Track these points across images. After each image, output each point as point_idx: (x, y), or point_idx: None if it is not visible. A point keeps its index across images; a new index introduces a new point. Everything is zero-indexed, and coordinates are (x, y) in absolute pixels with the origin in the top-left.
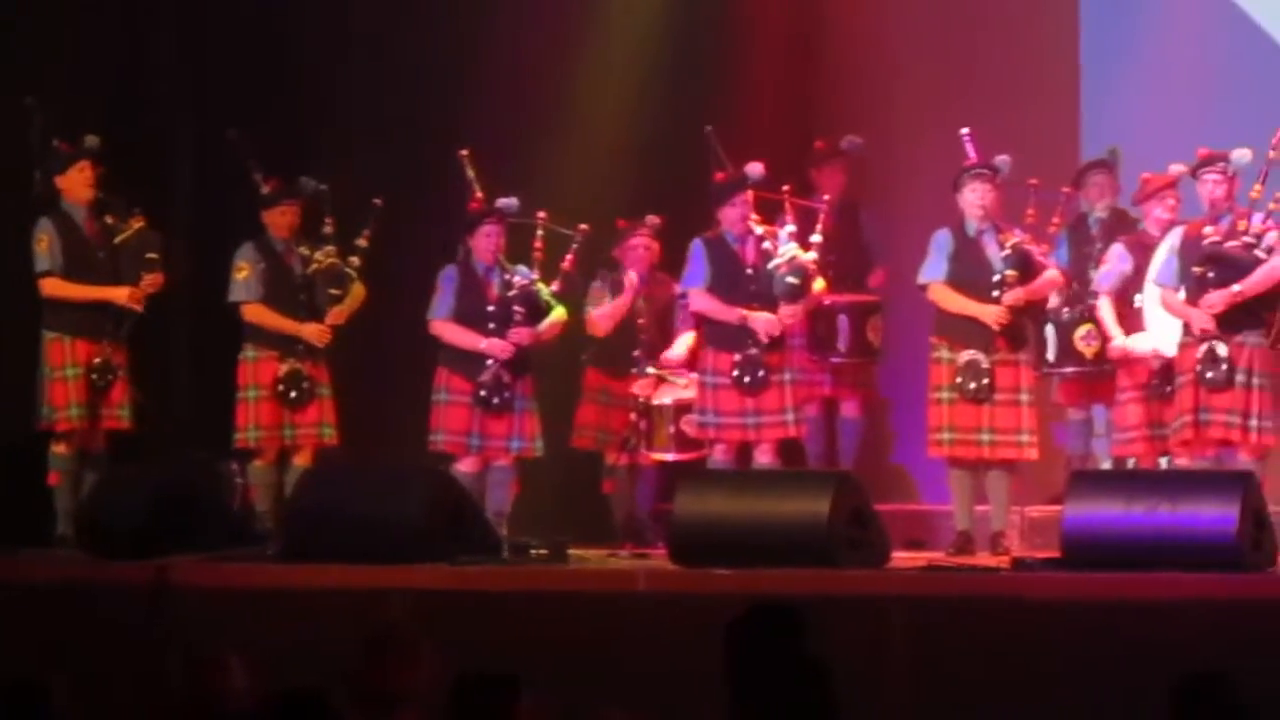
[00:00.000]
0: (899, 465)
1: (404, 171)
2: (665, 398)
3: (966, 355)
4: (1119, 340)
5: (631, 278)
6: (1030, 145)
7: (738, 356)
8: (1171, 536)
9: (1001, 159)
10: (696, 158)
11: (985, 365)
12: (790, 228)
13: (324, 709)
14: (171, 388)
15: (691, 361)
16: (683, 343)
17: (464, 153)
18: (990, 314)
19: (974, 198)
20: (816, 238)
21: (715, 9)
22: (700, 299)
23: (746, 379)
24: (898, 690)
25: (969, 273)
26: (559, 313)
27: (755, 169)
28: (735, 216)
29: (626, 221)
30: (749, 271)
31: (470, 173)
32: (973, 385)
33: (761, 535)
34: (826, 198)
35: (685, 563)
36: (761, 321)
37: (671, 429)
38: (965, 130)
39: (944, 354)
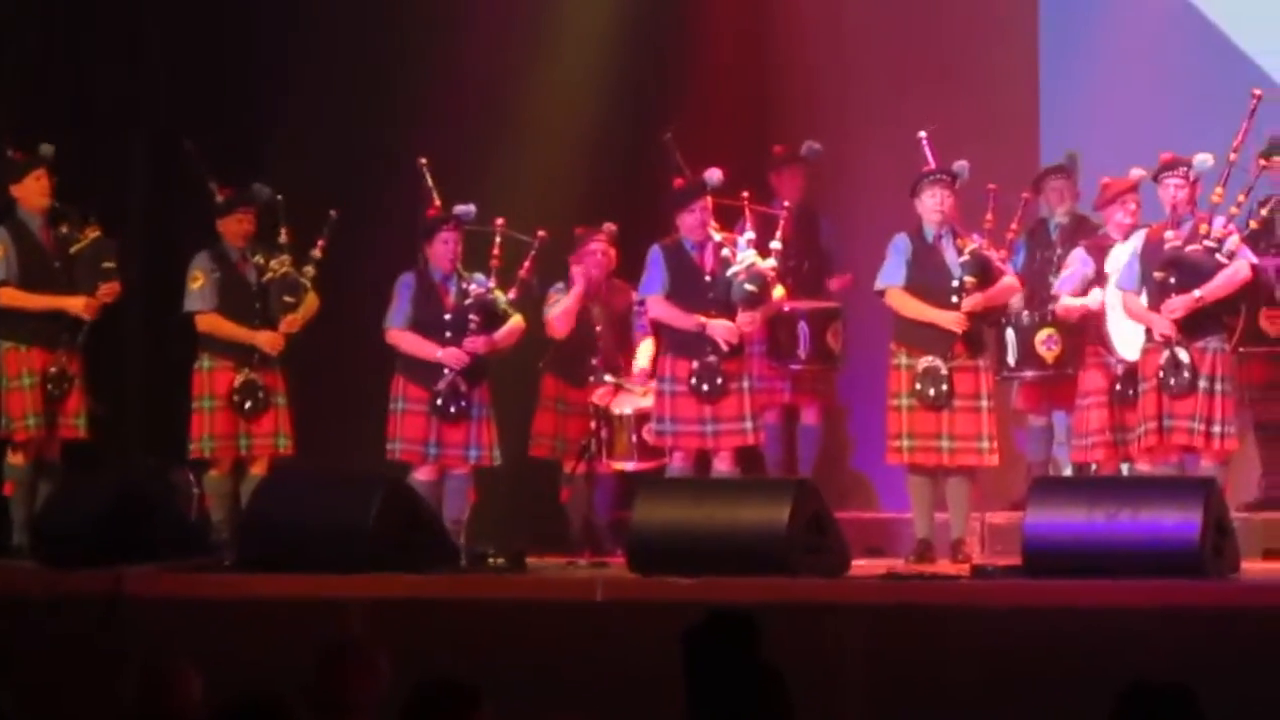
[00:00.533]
0: (858, 472)
1: (360, 179)
2: (625, 406)
3: (925, 361)
4: (1071, 301)
5: (577, 274)
6: (989, 150)
7: (696, 364)
8: (1133, 543)
9: (960, 164)
10: (654, 164)
11: (944, 371)
12: (749, 234)
13: (280, 716)
14: (127, 397)
15: (652, 370)
16: (645, 353)
17: (423, 161)
18: (949, 319)
19: (932, 203)
20: (776, 244)
21: (671, 13)
22: (658, 306)
23: (705, 386)
24: (856, 699)
25: (927, 278)
26: (516, 320)
27: (714, 175)
28: (694, 223)
29: (584, 228)
30: (707, 278)
31: (429, 180)
32: (932, 391)
33: (720, 543)
34: (786, 203)
35: (644, 571)
36: (720, 329)
37: (633, 438)
38: (923, 134)
39: (903, 360)
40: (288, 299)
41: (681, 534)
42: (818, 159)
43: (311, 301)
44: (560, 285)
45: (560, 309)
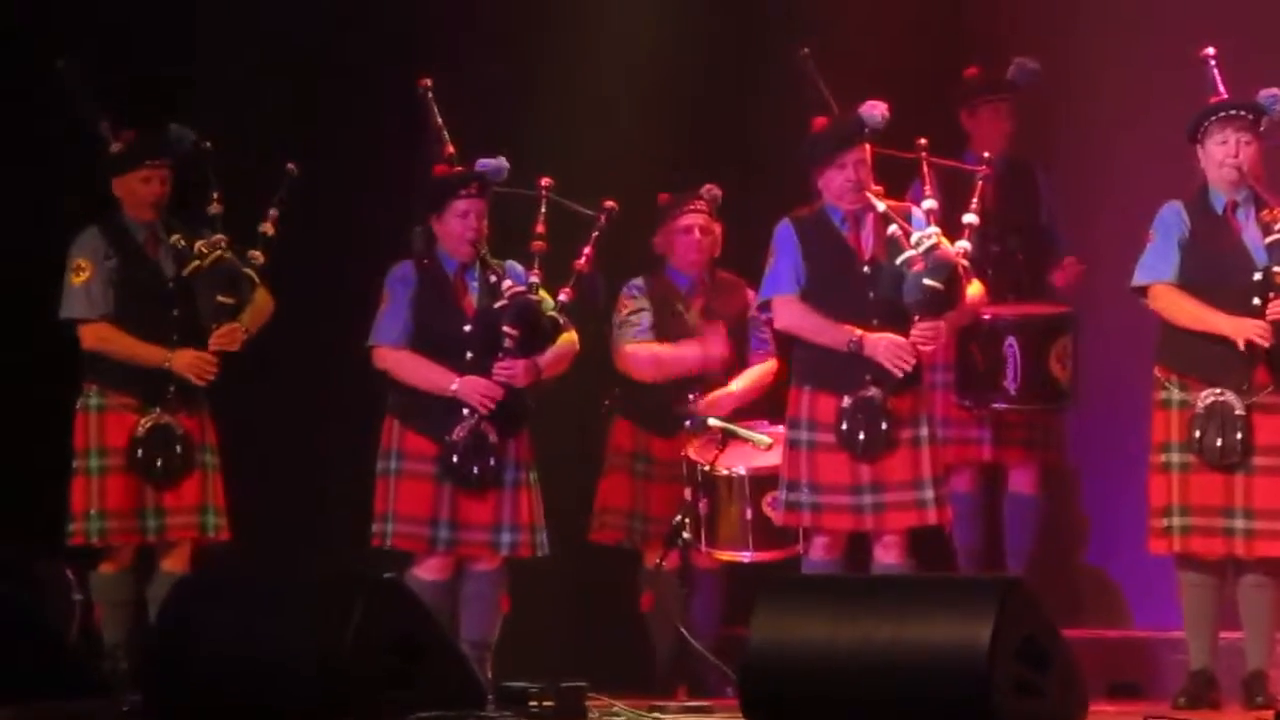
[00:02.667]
0: (1099, 568)
1: (330, 118)
2: (738, 466)
3: (1209, 396)
4: None
5: (703, 321)
6: None
7: (847, 401)
8: None
9: (1268, 94)
10: (780, 96)
11: (1239, 411)
12: (929, 202)
13: None
14: None
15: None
16: (751, 375)
17: (426, 83)
18: (1246, 331)
19: (1223, 153)
20: (971, 217)
21: None
22: (790, 311)
23: (861, 435)
24: None
25: (1215, 269)
26: (569, 337)
27: (875, 111)
28: (845, 185)
29: (671, 195)
30: (865, 269)
31: (436, 117)
32: (1219, 442)
33: (882, 679)
34: (986, 155)
35: None
36: (884, 347)
37: (747, 513)
38: (1209, 51)
39: (1173, 394)
40: (223, 299)
41: (823, 665)
42: (1035, 86)
43: (261, 303)
44: (640, 284)
45: (660, 351)
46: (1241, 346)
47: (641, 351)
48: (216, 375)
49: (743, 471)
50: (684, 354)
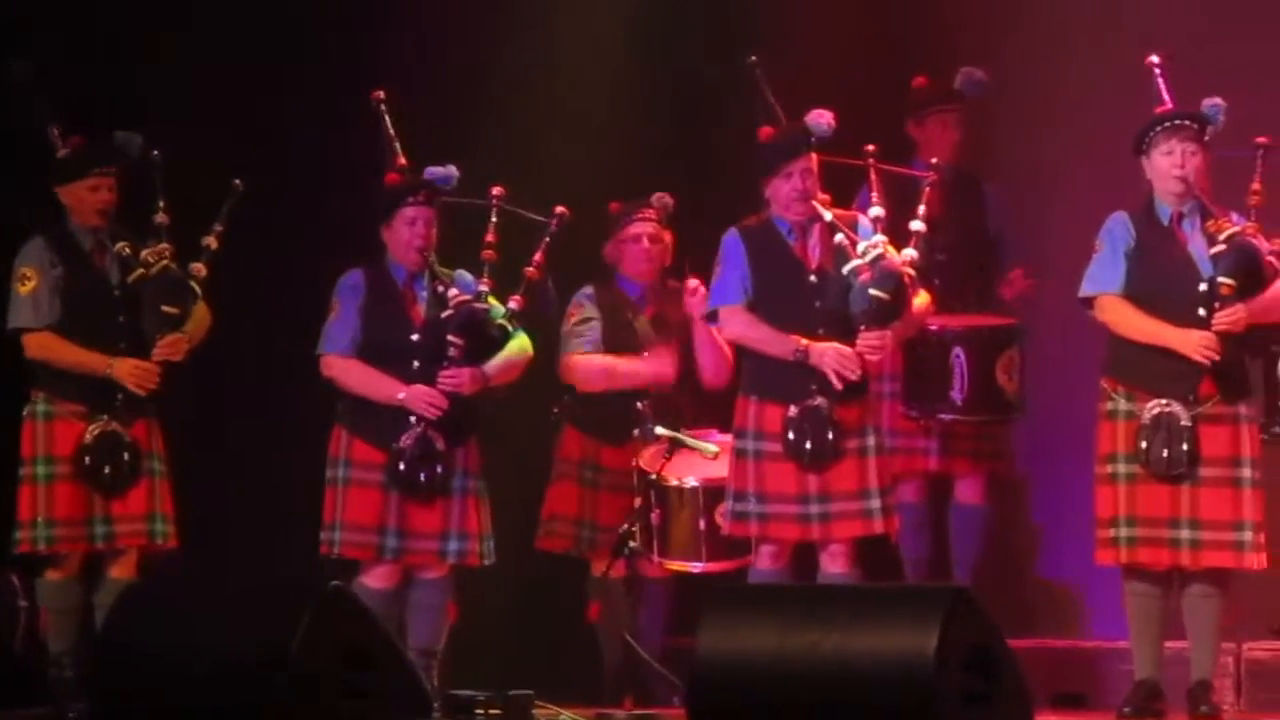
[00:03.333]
0: (1045, 578)
1: (278, 129)
2: (688, 476)
3: (1155, 407)
4: None
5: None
6: (1259, 84)
7: (794, 410)
8: None
9: (1211, 104)
10: (729, 105)
11: (1185, 422)
12: (876, 210)
13: None
14: None
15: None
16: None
17: (379, 95)
18: (1193, 343)
19: (1169, 164)
20: (918, 224)
21: None
22: (736, 321)
23: (807, 445)
24: None
25: (1161, 280)
26: (520, 344)
27: (821, 120)
28: (791, 194)
29: (622, 203)
30: (812, 279)
31: (388, 126)
32: (1165, 453)
33: (831, 689)
34: (934, 163)
35: None
36: (831, 356)
37: (700, 524)
38: (1154, 59)
39: (1120, 405)
40: (169, 309)
41: (771, 674)
42: (982, 96)
43: (201, 316)
44: (590, 293)
45: (609, 362)
46: (1197, 359)
47: (593, 363)
48: (159, 385)
49: (695, 482)
50: (637, 369)
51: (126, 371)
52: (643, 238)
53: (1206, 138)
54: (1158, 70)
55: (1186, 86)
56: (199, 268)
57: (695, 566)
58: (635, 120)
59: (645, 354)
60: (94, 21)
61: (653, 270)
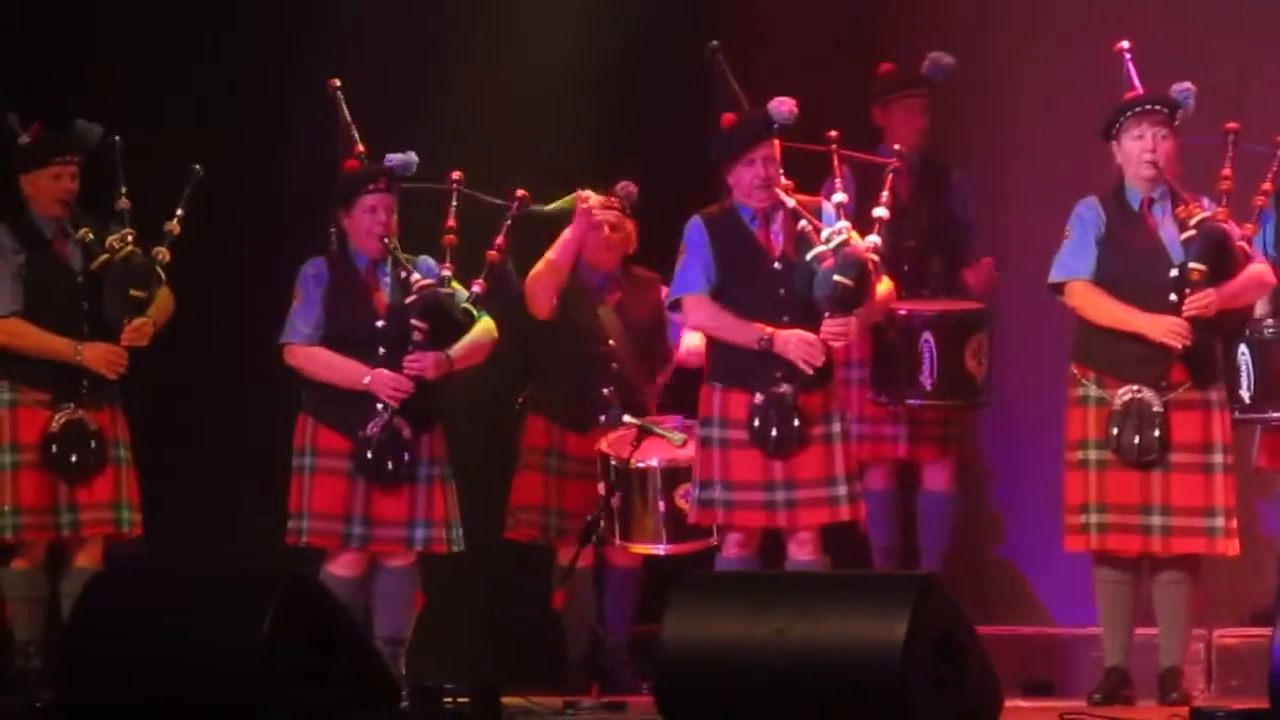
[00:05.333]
0: (1014, 565)
1: (239, 115)
2: (651, 459)
3: (1125, 393)
4: None
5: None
6: (1228, 71)
7: (759, 398)
8: None
9: (1182, 88)
10: (695, 91)
11: (1156, 409)
12: (840, 196)
13: None
14: None
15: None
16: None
17: (335, 84)
18: (1163, 328)
19: (1140, 149)
20: (881, 211)
21: None
22: (700, 310)
23: (773, 432)
24: None
25: (1131, 265)
26: (484, 326)
27: (783, 107)
28: (754, 180)
29: (586, 191)
30: (776, 266)
31: (345, 114)
32: (1135, 439)
33: (798, 676)
34: (897, 148)
35: (681, 718)
36: (795, 343)
37: (660, 506)
38: (1124, 44)
39: (1089, 391)
40: (135, 293)
41: (737, 661)
42: (949, 81)
43: (164, 301)
44: None
45: (539, 269)
46: (1173, 343)
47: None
48: (126, 370)
49: (655, 464)
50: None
51: (97, 356)
52: (604, 226)
53: (1176, 122)
54: (1127, 55)
55: (1154, 72)
56: (162, 252)
57: (659, 549)
58: (595, 106)
59: (606, 348)
60: (53, 6)
61: (614, 259)
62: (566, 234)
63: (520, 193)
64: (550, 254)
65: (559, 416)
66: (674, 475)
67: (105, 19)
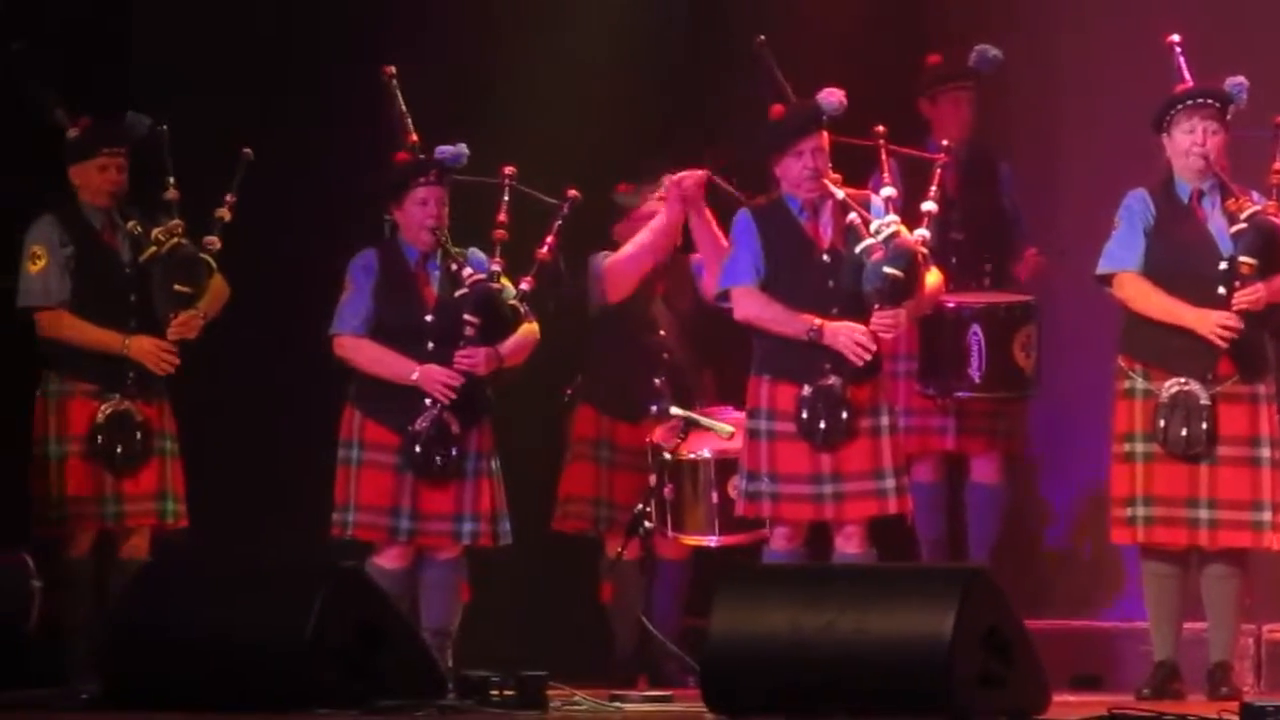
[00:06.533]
0: (1062, 558)
1: (289, 104)
2: (704, 450)
3: (1173, 386)
4: None
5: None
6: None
7: (807, 390)
8: None
9: (1234, 83)
10: (738, 84)
11: (1204, 401)
12: (888, 190)
13: None
14: None
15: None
16: None
17: (390, 71)
18: (1211, 322)
19: (1190, 142)
20: (930, 205)
21: None
22: (749, 302)
23: (821, 424)
24: None
25: (1179, 258)
26: (530, 327)
27: (832, 98)
28: (802, 172)
29: (630, 185)
30: (824, 258)
31: (399, 103)
32: (1183, 432)
33: (845, 669)
34: (946, 143)
35: (727, 711)
36: (845, 335)
37: (713, 497)
38: (1174, 37)
39: (1137, 384)
40: (181, 287)
41: (784, 655)
42: (997, 73)
43: (217, 289)
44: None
45: (627, 252)
46: (1213, 339)
47: (619, 258)
48: (176, 365)
49: (707, 455)
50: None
51: (145, 350)
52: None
53: (1228, 116)
54: (1177, 48)
55: (1203, 64)
56: (212, 240)
57: (710, 540)
58: (644, 100)
59: (657, 339)
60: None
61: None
62: (661, 218)
63: (572, 193)
64: (643, 237)
65: (609, 407)
66: (726, 466)
67: (152, 8)
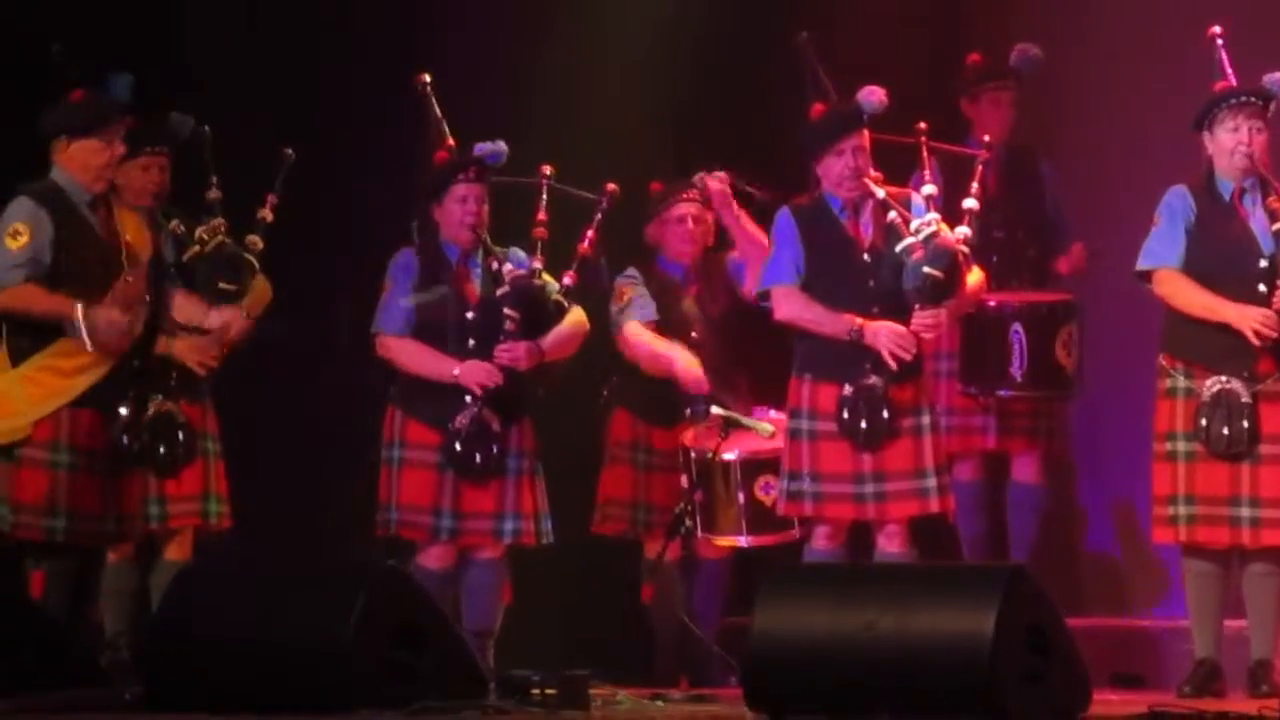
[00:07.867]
0: (1103, 557)
1: (330, 106)
2: (731, 451)
3: (1215, 384)
4: None
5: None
6: None
7: (848, 390)
8: None
9: (1275, 79)
10: (780, 83)
11: (1245, 399)
12: (929, 188)
13: None
14: None
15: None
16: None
17: (424, 78)
18: (1253, 319)
19: (1234, 140)
20: (971, 203)
21: None
22: (790, 302)
23: (862, 424)
24: None
25: (1220, 255)
26: (575, 318)
27: (873, 97)
28: (843, 171)
29: (664, 184)
30: (865, 258)
31: (435, 108)
32: (1225, 431)
33: (886, 668)
34: (987, 140)
35: (769, 710)
36: (885, 335)
37: (740, 498)
38: (1216, 30)
39: (1179, 382)
40: (225, 285)
41: (826, 654)
42: (1037, 72)
43: (260, 290)
44: (634, 273)
45: (648, 343)
46: (1261, 335)
47: (642, 340)
48: (218, 364)
49: (734, 456)
50: (672, 367)
51: (188, 349)
52: (686, 219)
53: (1270, 113)
54: (1219, 41)
55: (1246, 58)
56: (255, 240)
57: (741, 540)
58: (681, 99)
59: (690, 340)
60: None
61: (695, 251)
62: (679, 366)
63: (611, 187)
64: (664, 354)
65: (644, 411)
66: (753, 467)
67: (195, 10)
